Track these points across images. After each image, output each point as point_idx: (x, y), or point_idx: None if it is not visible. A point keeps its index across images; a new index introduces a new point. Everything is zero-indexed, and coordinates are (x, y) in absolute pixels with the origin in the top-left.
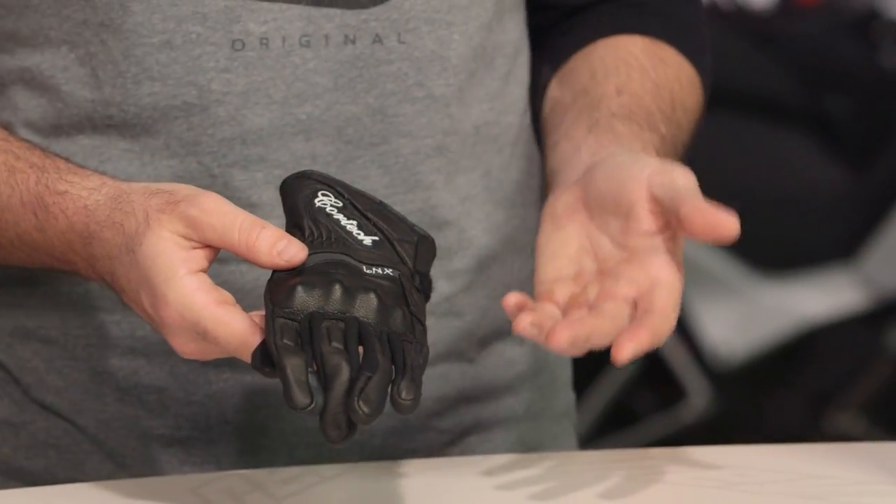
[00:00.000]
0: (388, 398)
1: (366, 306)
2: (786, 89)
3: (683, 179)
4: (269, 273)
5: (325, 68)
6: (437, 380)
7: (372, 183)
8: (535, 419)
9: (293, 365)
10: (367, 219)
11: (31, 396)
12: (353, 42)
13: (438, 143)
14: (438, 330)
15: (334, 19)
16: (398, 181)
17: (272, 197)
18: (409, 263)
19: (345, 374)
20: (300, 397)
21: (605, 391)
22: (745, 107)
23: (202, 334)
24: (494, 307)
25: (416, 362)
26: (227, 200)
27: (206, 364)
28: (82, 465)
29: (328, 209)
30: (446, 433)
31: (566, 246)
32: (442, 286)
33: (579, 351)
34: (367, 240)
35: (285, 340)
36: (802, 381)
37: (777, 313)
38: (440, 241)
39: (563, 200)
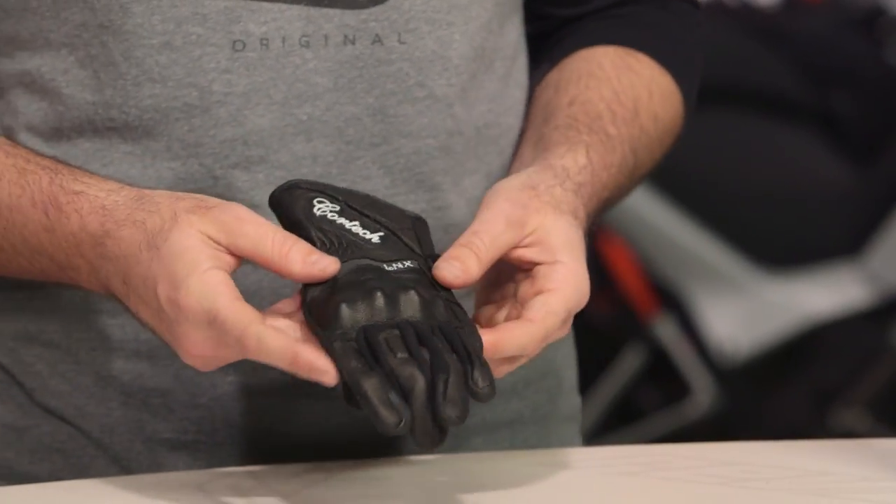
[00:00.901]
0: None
1: (411, 306)
2: (791, 86)
3: (499, 203)
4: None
5: (324, 68)
6: None
7: (373, 183)
8: (541, 422)
9: (373, 387)
10: (367, 216)
11: (34, 400)
12: (353, 42)
13: (443, 144)
14: None
15: (333, 19)
16: (399, 181)
17: None
18: (418, 250)
19: (421, 382)
20: (390, 418)
21: (609, 387)
22: (751, 104)
23: (212, 320)
24: None
25: (475, 347)
26: (255, 213)
27: None
28: (87, 470)
29: (329, 215)
30: (451, 435)
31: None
32: None
33: None
34: (374, 237)
35: (354, 363)
36: (807, 378)
37: (782, 310)
38: (447, 243)
39: None
